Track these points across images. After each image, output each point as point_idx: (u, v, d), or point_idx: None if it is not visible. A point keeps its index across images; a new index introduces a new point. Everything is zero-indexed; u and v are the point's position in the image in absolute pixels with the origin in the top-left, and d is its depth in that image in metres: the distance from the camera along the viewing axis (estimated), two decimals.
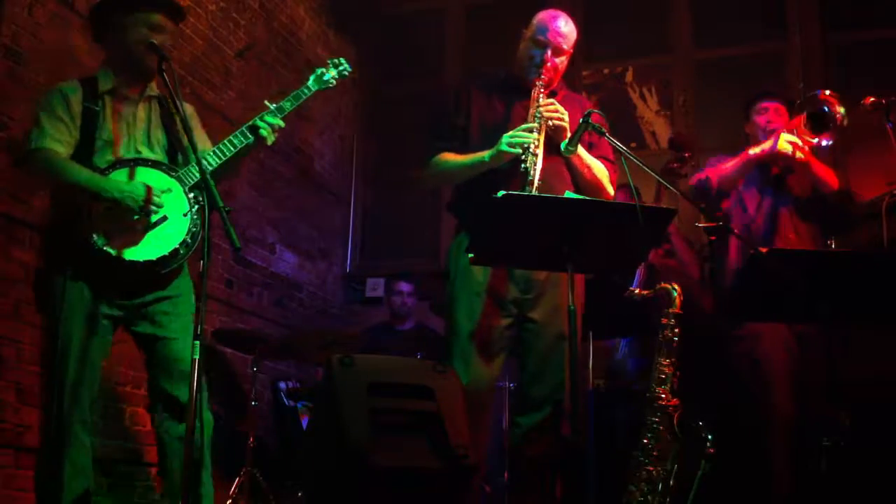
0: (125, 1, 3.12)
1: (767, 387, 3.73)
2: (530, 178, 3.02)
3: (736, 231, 3.84)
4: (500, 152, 3.14)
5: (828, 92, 3.87)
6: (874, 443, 3.77)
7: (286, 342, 4.89)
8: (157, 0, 3.13)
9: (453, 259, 3.37)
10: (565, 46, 3.37)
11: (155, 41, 3.04)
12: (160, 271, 2.97)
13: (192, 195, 3.02)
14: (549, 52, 3.32)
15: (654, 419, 3.20)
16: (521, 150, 3.08)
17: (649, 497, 3.10)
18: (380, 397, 2.90)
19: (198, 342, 2.56)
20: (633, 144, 6.14)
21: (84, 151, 3.02)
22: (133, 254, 2.92)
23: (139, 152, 3.08)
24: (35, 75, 4.07)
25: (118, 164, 3.01)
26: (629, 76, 6.52)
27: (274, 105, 3.20)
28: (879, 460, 3.82)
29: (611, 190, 3.41)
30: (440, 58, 6.90)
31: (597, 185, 3.37)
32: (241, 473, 4.30)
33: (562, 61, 3.38)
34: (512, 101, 3.39)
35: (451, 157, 3.35)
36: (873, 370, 3.97)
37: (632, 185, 3.41)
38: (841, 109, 3.81)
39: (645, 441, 3.18)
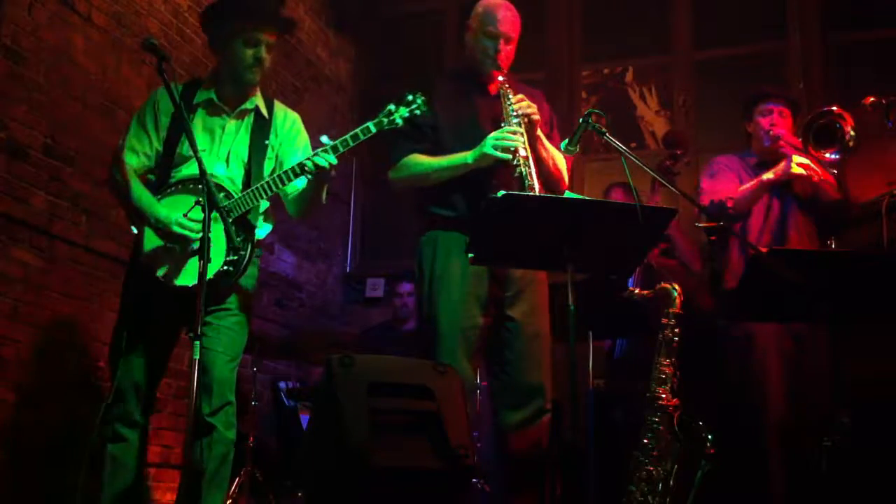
0: (228, 14, 3.15)
1: (761, 387, 3.74)
2: (529, 183, 3.03)
3: (737, 232, 3.84)
4: (486, 155, 3.13)
5: (845, 116, 3.85)
6: (875, 443, 3.77)
7: (286, 342, 4.89)
8: (260, 16, 3.13)
9: (427, 258, 3.32)
10: (513, 34, 3.37)
11: (255, 54, 3.10)
12: (211, 289, 2.95)
13: (233, 227, 2.95)
14: (502, 42, 3.32)
15: (654, 419, 3.19)
16: (511, 156, 3.08)
17: (649, 497, 3.10)
18: (380, 397, 2.89)
19: (198, 342, 2.56)
20: (633, 144, 6.14)
21: (165, 163, 3.13)
22: (181, 279, 3.01)
23: (212, 174, 3.05)
24: (35, 75, 4.07)
25: (179, 184, 3.08)
26: (629, 76, 6.52)
27: (330, 142, 3.07)
28: (880, 460, 3.82)
29: (567, 180, 3.42)
30: (440, 58, 6.90)
31: (558, 176, 3.39)
32: (241, 473, 4.30)
33: (511, 48, 3.39)
34: (474, 96, 3.40)
35: (423, 158, 3.32)
36: (874, 370, 3.97)
37: (632, 185, 3.41)
38: (852, 131, 3.80)
39: (645, 441, 3.17)
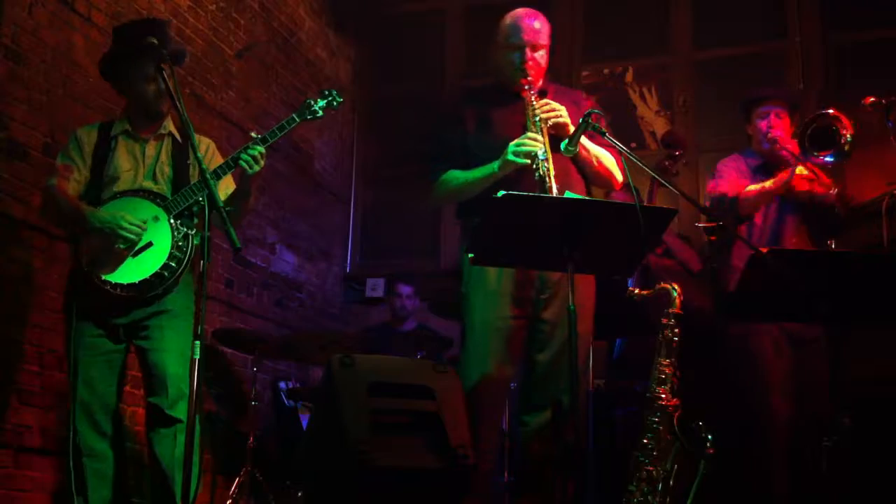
0: (125, 54, 3.40)
1: (758, 387, 3.74)
2: (548, 185, 3.03)
3: (737, 232, 3.84)
4: (508, 162, 3.15)
5: (842, 119, 3.85)
6: (875, 443, 3.78)
7: (286, 342, 4.89)
8: (152, 51, 3.23)
9: (467, 264, 3.32)
10: (542, 41, 3.37)
11: (155, 89, 3.35)
12: (145, 293, 3.21)
13: (177, 222, 3.25)
14: (528, 52, 3.32)
15: (654, 419, 3.19)
16: (529, 160, 3.09)
17: (649, 497, 3.10)
18: (380, 397, 2.90)
19: (198, 342, 2.56)
20: (633, 144, 6.14)
21: (94, 186, 3.36)
22: (115, 277, 3.21)
23: (141, 186, 3.35)
24: (35, 75, 4.07)
25: (114, 196, 3.32)
26: (629, 76, 6.52)
27: (259, 135, 3.31)
28: (880, 460, 3.82)
29: (620, 176, 3.41)
30: (440, 58, 6.90)
31: (607, 175, 3.38)
32: (241, 473, 4.30)
33: (541, 55, 3.38)
34: (504, 109, 3.39)
35: (458, 174, 3.35)
36: (874, 370, 3.97)
37: (632, 185, 3.41)
38: (849, 135, 3.80)
39: (645, 441, 3.17)
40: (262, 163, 3.26)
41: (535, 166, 3.08)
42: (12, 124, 3.94)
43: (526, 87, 3.29)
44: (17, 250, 3.94)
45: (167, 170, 3.41)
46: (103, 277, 3.20)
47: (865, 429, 3.38)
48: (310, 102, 3.42)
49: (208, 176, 2.81)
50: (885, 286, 2.86)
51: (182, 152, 3.44)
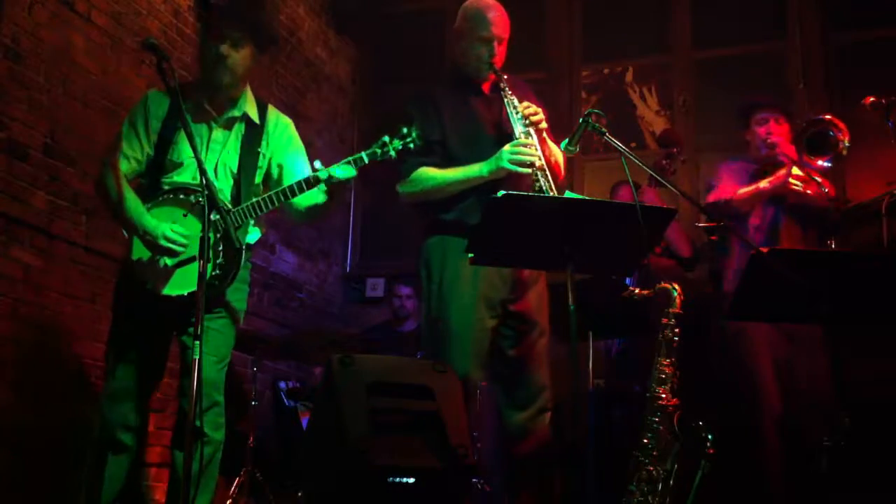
0: (204, 20, 3.16)
1: (755, 387, 3.75)
2: (549, 192, 3.05)
3: (737, 232, 3.85)
4: (503, 169, 3.14)
5: (839, 124, 3.86)
6: (875, 443, 3.77)
7: (286, 342, 4.89)
8: (225, 14, 3.07)
9: (436, 261, 3.30)
10: (505, 34, 3.36)
11: (217, 51, 3.03)
12: (194, 303, 2.95)
13: (218, 235, 2.99)
14: (495, 45, 3.32)
15: (654, 419, 3.19)
16: (531, 170, 3.09)
17: (649, 497, 3.10)
18: (380, 397, 2.90)
19: (198, 342, 2.56)
20: (632, 144, 6.14)
21: (155, 168, 3.10)
22: (165, 290, 3.02)
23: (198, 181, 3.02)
24: (35, 75, 4.07)
25: (170, 193, 3.06)
26: (629, 76, 6.52)
27: (323, 170, 3.07)
28: (880, 460, 3.82)
29: (562, 174, 3.42)
30: (440, 58, 6.90)
31: (558, 172, 3.37)
32: (241, 473, 4.30)
33: (504, 48, 3.37)
34: (474, 102, 3.38)
35: (435, 172, 3.29)
36: (874, 370, 3.97)
37: (632, 184, 3.41)
38: (845, 140, 3.82)
39: (645, 441, 3.17)
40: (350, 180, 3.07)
41: (534, 177, 3.09)
42: (12, 124, 3.94)
43: (502, 85, 3.28)
44: (17, 250, 3.94)
45: (231, 164, 3.13)
46: (150, 287, 3.02)
47: (865, 429, 3.38)
48: (385, 142, 3.09)
49: (208, 176, 2.77)
50: (884, 286, 2.86)
51: (255, 139, 3.16)
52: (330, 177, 3.03)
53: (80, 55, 4.32)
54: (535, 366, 3.28)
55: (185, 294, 3.00)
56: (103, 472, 3.05)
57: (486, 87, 3.40)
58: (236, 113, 3.18)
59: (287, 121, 3.33)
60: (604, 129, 3.05)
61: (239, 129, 3.18)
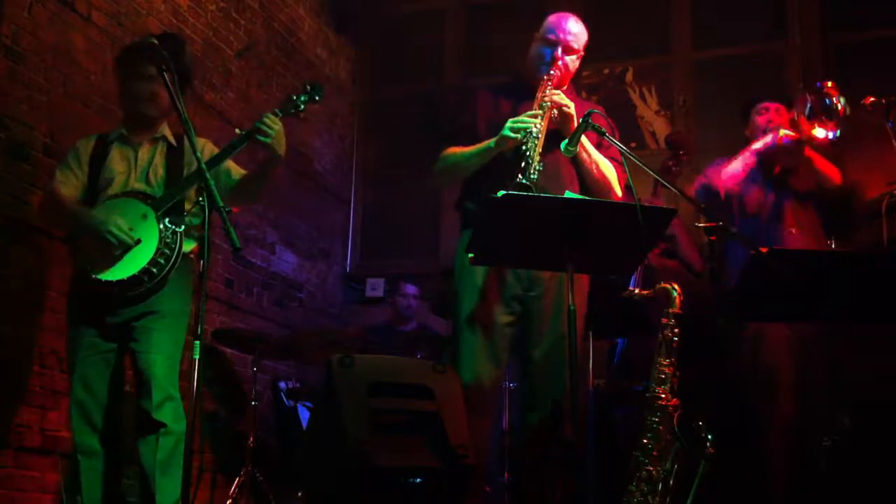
0: (120, 58, 3.55)
1: (770, 389, 3.73)
2: (531, 162, 3.02)
3: (736, 231, 3.84)
4: (503, 137, 3.15)
5: (829, 84, 3.85)
6: (875, 443, 3.77)
7: (286, 342, 4.89)
8: (152, 51, 3.14)
9: (458, 255, 3.35)
10: (575, 45, 3.38)
11: (140, 89, 3.41)
12: (133, 288, 3.23)
13: (165, 220, 3.26)
14: (559, 50, 3.33)
15: (654, 419, 3.19)
16: (523, 135, 3.09)
17: (649, 497, 3.10)
18: (380, 397, 2.90)
19: (198, 342, 2.56)
20: (633, 144, 6.14)
21: (91, 190, 3.43)
22: (107, 275, 3.23)
23: (132, 188, 3.39)
24: (35, 75, 4.07)
25: (107, 199, 3.36)
26: (629, 76, 6.52)
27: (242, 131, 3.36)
28: (880, 460, 3.82)
29: (618, 190, 3.40)
30: (440, 58, 6.90)
31: (604, 184, 3.36)
32: (241, 473, 4.30)
33: (572, 60, 3.39)
34: (519, 101, 3.38)
35: (458, 150, 3.36)
36: (874, 370, 3.97)
37: (632, 185, 3.41)
38: (842, 99, 3.80)
39: (645, 441, 3.17)
40: (278, 126, 3.29)
41: (524, 140, 3.08)
42: (12, 124, 3.94)
43: (546, 79, 3.29)
44: (17, 250, 3.94)
45: (160, 171, 3.43)
46: (95, 276, 3.23)
47: (865, 429, 3.38)
48: (293, 97, 3.41)
49: (207, 176, 2.79)
50: (885, 286, 2.86)
51: (176, 155, 3.47)
52: (252, 130, 3.28)
53: (80, 55, 4.32)
54: (553, 369, 3.22)
55: (125, 278, 3.20)
56: (79, 478, 3.23)
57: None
58: (157, 136, 3.52)
59: (205, 140, 3.57)
60: (604, 130, 3.05)
61: (162, 146, 3.51)
